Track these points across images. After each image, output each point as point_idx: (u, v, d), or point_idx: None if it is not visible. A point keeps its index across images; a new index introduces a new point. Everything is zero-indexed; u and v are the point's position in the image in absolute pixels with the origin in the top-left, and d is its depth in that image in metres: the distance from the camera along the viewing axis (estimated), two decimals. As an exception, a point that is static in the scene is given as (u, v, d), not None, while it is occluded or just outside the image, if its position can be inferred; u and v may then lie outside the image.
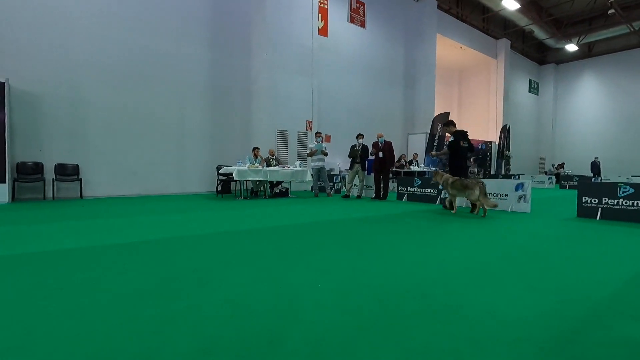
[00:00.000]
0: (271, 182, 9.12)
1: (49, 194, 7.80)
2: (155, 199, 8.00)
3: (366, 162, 9.04)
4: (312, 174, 9.22)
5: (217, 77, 10.25)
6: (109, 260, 2.78)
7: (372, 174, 8.99)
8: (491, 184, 6.74)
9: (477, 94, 21.14)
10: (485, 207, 5.51)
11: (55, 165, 7.88)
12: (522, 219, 5.48)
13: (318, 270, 2.53)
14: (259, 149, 9.12)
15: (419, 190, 8.00)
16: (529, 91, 23.83)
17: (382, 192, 8.47)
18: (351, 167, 9.03)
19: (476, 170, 16.58)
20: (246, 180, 8.63)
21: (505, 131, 19.31)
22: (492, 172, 18.97)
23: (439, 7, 15.88)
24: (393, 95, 15.03)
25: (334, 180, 10.62)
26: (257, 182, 8.97)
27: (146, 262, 2.74)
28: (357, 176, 9.01)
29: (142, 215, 5.34)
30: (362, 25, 13.52)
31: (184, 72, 9.63)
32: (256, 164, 8.54)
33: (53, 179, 7.81)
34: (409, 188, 8.23)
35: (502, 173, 18.75)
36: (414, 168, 12.04)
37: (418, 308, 1.85)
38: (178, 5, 9.47)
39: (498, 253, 3.20)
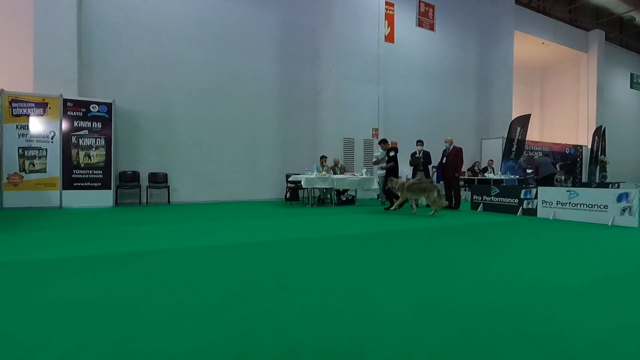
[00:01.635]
0: (338, 190, 9.20)
1: (144, 199, 8.83)
2: (230, 205, 8.58)
3: (431, 169, 8.69)
4: (378, 182, 9.10)
5: (287, 89, 10.72)
6: (196, 262, 3.05)
7: (442, 182, 8.58)
8: (585, 194, 5.97)
9: (563, 93, 19.00)
10: (438, 207, 6.65)
11: (148, 174, 8.91)
12: (627, 234, 4.75)
13: (393, 282, 2.47)
14: (326, 157, 9.29)
15: (497, 199, 7.41)
16: (631, 87, 20.72)
17: (453, 202, 8.02)
18: (413, 176, 8.73)
19: (563, 177, 14.83)
20: (314, 188, 8.84)
21: (600, 133, 17.02)
22: (584, 179, 16.80)
23: (517, 2, 14.71)
24: (465, 99, 14.22)
25: (402, 189, 10.33)
26: (324, 190, 9.12)
27: (227, 265, 2.94)
28: (422, 184, 8.69)
29: (220, 221, 5.76)
30: (431, 28, 13.09)
31: (256, 86, 10.26)
32: (323, 172, 8.70)
33: (147, 186, 8.84)
34: (484, 197, 7.67)
35: (597, 181, 16.50)
36: (489, 176, 11.19)
37: (512, 332, 1.70)
38: (251, 25, 10.15)
39: (603, 272, 2.80)
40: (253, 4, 10.17)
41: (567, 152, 16.33)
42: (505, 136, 13.40)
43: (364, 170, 9.33)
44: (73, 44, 7.86)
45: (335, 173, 9.21)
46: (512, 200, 7.11)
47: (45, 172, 7.39)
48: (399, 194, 6.94)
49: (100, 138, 7.83)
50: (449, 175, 8.02)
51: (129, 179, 8.64)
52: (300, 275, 2.64)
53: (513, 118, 13.96)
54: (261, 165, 10.40)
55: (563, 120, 18.78)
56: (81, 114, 7.67)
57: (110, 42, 8.49)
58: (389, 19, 11.63)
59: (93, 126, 7.77)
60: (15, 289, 2.27)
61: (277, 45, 10.57)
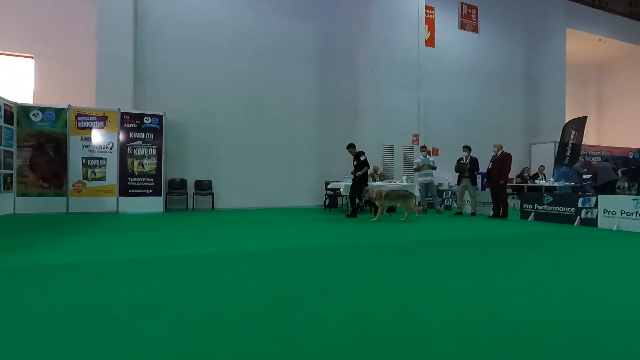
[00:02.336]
0: (377, 197, 9.08)
1: (190, 206, 9.28)
2: (270, 212, 8.76)
3: (478, 176, 8.30)
4: (419, 189, 8.87)
5: (325, 97, 10.83)
6: (242, 267, 3.13)
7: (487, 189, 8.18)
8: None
9: (624, 92, 17.45)
10: (417, 212, 7.08)
11: (194, 181, 9.36)
12: None
13: (440, 293, 2.38)
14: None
15: (550, 208, 6.93)
16: None
17: (500, 210, 7.60)
18: (458, 182, 8.40)
19: (627, 184, 13.54)
20: (352, 195, 8.77)
21: (669, 136, 15.37)
22: (651, 186, 15.20)
23: (569, -2, 13.83)
24: (512, 102, 13.53)
25: (444, 196, 10.00)
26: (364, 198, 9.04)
27: (271, 270, 3.00)
28: (467, 192, 8.32)
29: (261, 227, 5.90)
30: (475, 30, 12.66)
31: (295, 94, 10.47)
32: (362, 179, 8.63)
33: (193, 192, 9.28)
34: (536, 206, 7.20)
35: (667, 188, 14.86)
36: (540, 182, 10.50)
37: (578, 353, 1.57)
38: (291, 36, 10.42)
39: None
40: (293, 16, 10.44)
41: (631, 156, 14.92)
42: (558, 140, 12.54)
43: (404, 177, 9.16)
44: (129, 62, 8.52)
45: (374, 180, 9.11)
46: (567, 209, 6.61)
47: (105, 179, 8.02)
48: (377, 203, 6.82)
49: (152, 148, 8.37)
50: (494, 182, 7.64)
51: (177, 186, 9.13)
52: (343, 283, 2.63)
53: (566, 121, 13.05)
54: (300, 173, 10.55)
55: (625, 122, 17.23)
56: (136, 125, 8.26)
57: (160, 58, 9.10)
58: (429, 22, 11.41)
59: (146, 137, 8.33)
60: (79, 288, 2.47)
61: (316, 54, 10.74)
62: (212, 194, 9.41)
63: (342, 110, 11.03)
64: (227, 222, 6.53)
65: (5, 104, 7.09)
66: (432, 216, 8.08)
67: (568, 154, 12.31)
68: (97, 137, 8.00)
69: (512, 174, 10.30)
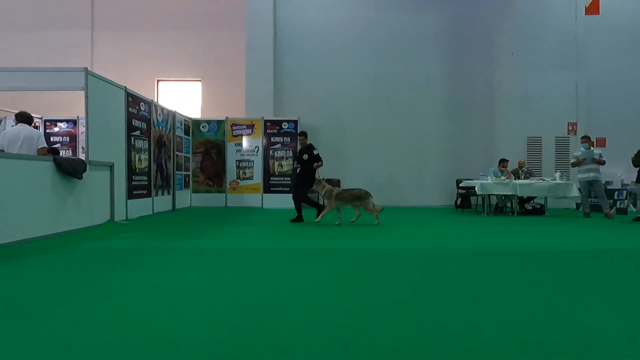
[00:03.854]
0: (521, 198, 7.98)
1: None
2: (398, 211, 8.65)
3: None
4: (579, 189, 7.39)
5: (456, 89, 10.07)
6: (381, 263, 3.20)
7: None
8: None
9: None
10: (376, 215, 5.87)
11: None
12: None
13: (626, 315, 1.94)
14: (507, 161, 8.18)
15: None
16: None
17: None
18: (638, 180, 6.62)
19: None
20: (489, 195, 7.96)
21: None
22: None
23: None
24: None
25: (616, 197, 8.07)
26: (503, 197, 8.07)
27: (410, 269, 2.96)
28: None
29: (393, 226, 5.87)
30: (661, -17, 9.80)
31: (422, 89, 10.05)
32: (502, 177, 7.72)
33: (323, 191, 9.92)
34: None
35: None
36: None
37: None
38: (416, 29, 10.02)
39: None
40: (416, 6, 10.05)
41: None
42: None
43: (557, 174, 7.77)
44: (270, 76, 9.68)
45: (518, 178, 8.03)
46: None
47: (252, 179, 9.32)
48: (326, 203, 5.88)
49: (289, 150, 9.31)
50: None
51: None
52: (495, 290, 2.40)
53: None
54: (428, 171, 10.09)
55: None
56: (275, 131, 9.33)
57: (294, 67, 10.01)
58: (592, -15, 9.35)
59: (284, 140, 9.32)
60: (241, 271, 2.93)
61: (445, 44, 10.08)
62: (341, 192, 9.87)
63: (476, 102, 10.06)
64: (358, 221, 6.74)
65: (184, 119, 8.97)
66: (598, 221, 6.63)
67: None
68: (246, 142, 9.34)
69: None
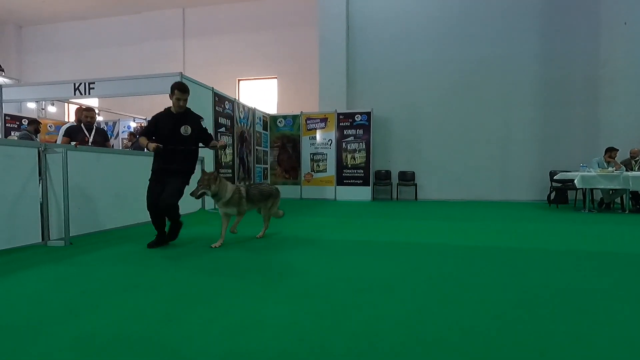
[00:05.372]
0: (635, 193, 6.83)
1: (394, 195, 9.75)
2: (478, 205, 8.07)
3: None
4: None
5: (552, 70, 8.93)
6: (459, 259, 3.04)
7: None
8: None
9: None
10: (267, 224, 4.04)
11: (398, 173, 9.75)
12: None
13: None
14: (616, 150, 7.07)
15: None
16: None
17: None
18: None
19: None
20: (592, 189, 6.97)
21: None
22: None
23: None
24: None
25: None
26: (611, 192, 7.00)
27: (497, 269, 2.77)
28: None
29: (473, 221, 5.51)
30: None
31: (511, 73, 9.13)
32: (610, 169, 6.69)
33: (397, 183, 9.70)
34: None
35: None
36: None
37: None
38: (503, 3, 9.10)
39: None
40: (505, -19, 9.10)
41: None
42: None
43: (685, 165, 6.46)
44: (343, 69, 9.69)
45: (631, 169, 6.88)
46: None
47: (326, 171, 9.50)
48: (236, 210, 3.63)
49: (362, 142, 9.26)
50: None
51: (383, 177, 9.77)
52: (608, 300, 2.12)
53: None
54: (515, 162, 9.18)
55: None
56: (348, 124, 9.35)
57: (367, 59, 9.87)
58: None
59: (357, 133, 9.30)
60: (330, 262, 3.03)
61: (538, 19, 8.98)
62: (415, 185, 9.54)
63: (576, 84, 8.81)
64: (432, 213, 6.47)
65: (263, 116, 9.50)
66: None
67: None
68: (320, 136, 9.54)
69: None
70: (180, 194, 3.49)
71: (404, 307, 1.95)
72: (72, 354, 1.45)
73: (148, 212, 3.47)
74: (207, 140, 3.71)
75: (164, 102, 3.68)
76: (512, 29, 9.11)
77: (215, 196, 3.49)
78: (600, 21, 8.55)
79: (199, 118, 3.67)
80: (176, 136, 3.48)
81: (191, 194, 3.41)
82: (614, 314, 1.86)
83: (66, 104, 10.86)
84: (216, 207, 3.83)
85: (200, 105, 6.34)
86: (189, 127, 3.53)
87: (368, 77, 9.89)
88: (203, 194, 3.44)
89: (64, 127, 5.16)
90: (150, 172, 3.56)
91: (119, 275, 2.59)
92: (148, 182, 3.52)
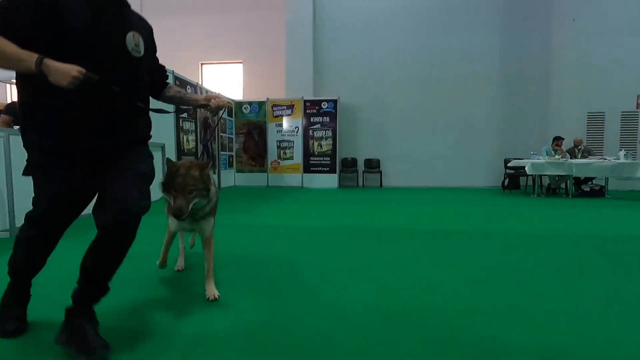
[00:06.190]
0: (577, 179, 7.41)
1: (360, 183, 9.92)
2: (441, 191, 8.41)
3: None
4: (649, 169, 6.70)
5: (509, 63, 9.34)
6: (417, 242, 3.17)
7: None
8: None
9: None
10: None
11: (364, 160, 9.91)
12: None
13: None
14: (562, 138, 7.60)
15: None
16: None
17: None
18: None
19: None
20: (541, 176, 7.48)
21: None
22: None
23: None
24: None
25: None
26: (557, 178, 7.55)
27: (452, 250, 2.92)
28: None
29: (439, 206, 5.75)
30: None
31: (471, 65, 9.45)
32: (556, 156, 7.20)
33: (363, 171, 9.87)
34: None
35: None
36: None
37: None
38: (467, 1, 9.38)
39: None
40: (467, -26, 9.34)
41: None
42: None
43: (621, 153, 7.09)
44: (309, 57, 9.60)
45: (574, 157, 7.44)
46: None
47: (293, 159, 9.46)
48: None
49: (328, 130, 9.29)
50: None
51: (349, 165, 9.89)
52: (547, 275, 2.30)
53: None
54: (475, 151, 9.62)
55: None
56: (315, 111, 9.32)
57: (334, 46, 9.83)
58: None
59: (323, 120, 9.30)
60: (295, 247, 3.05)
61: (496, 14, 9.33)
62: (380, 172, 9.76)
63: (530, 76, 9.30)
64: (401, 200, 6.67)
65: (227, 102, 9.22)
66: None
67: None
68: (287, 123, 9.45)
69: None
70: (149, 180, 1.58)
71: (371, 287, 2.02)
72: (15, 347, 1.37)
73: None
74: (163, 81, 1.81)
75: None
76: (476, 22, 9.41)
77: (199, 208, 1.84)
78: (551, 17, 9.04)
79: (148, 25, 1.67)
80: (117, 55, 1.42)
81: (177, 210, 1.68)
82: (555, 288, 2.04)
83: (8, 85, 9.95)
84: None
85: (160, 89, 6.04)
86: (139, 38, 1.51)
87: (335, 64, 9.87)
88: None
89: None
90: (35, 153, 1.50)
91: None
92: (33, 180, 1.56)
